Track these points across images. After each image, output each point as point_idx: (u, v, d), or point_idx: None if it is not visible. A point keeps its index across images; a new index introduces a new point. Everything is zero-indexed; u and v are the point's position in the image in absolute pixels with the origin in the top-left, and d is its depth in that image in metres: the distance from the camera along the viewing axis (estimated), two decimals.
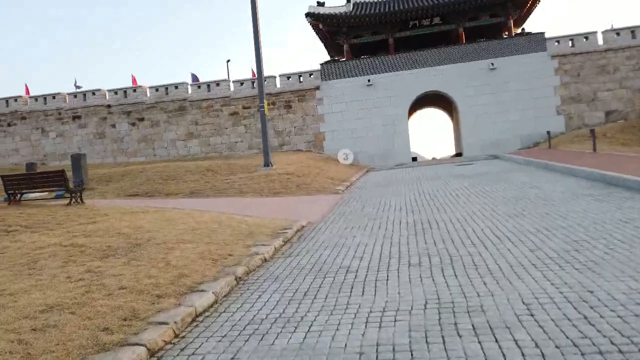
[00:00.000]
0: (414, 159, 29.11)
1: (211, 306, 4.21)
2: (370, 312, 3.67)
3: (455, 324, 3.28)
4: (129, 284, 4.39)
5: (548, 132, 20.86)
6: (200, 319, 3.93)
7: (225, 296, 4.50)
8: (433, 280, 4.32)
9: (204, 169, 15.24)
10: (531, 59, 26.23)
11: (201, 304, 4.09)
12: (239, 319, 3.84)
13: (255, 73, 15.41)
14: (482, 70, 26.66)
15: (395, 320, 3.44)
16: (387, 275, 4.60)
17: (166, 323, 3.59)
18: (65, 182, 9.91)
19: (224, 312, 4.06)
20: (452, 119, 33.00)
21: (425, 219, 7.52)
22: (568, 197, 8.05)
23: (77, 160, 14.04)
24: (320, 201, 11.01)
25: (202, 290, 4.39)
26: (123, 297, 4.09)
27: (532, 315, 3.29)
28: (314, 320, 3.64)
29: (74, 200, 9.97)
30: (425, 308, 3.62)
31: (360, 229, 7.28)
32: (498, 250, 5.13)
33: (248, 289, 4.67)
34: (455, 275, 4.38)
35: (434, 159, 40.35)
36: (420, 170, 18.16)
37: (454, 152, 49.78)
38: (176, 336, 3.55)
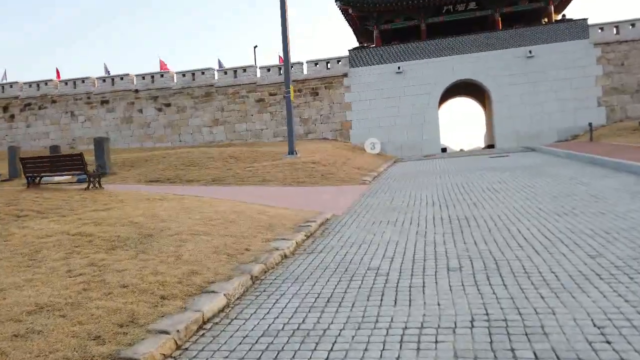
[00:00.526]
0: (444, 150, 28.15)
1: (222, 310, 3.70)
2: (406, 328, 3.09)
3: (512, 350, 2.67)
4: (132, 282, 3.92)
5: (590, 124, 19.67)
6: (208, 326, 3.43)
7: (238, 298, 3.99)
8: (478, 289, 3.70)
9: (226, 155, 14.83)
10: (572, 46, 24.85)
11: (210, 308, 3.59)
12: (252, 329, 3.32)
13: (282, 58, 14.81)
14: (519, 58, 25.42)
15: (436, 342, 2.85)
16: (423, 282, 4.01)
17: (167, 332, 3.09)
18: (84, 166, 9.61)
19: (236, 318, 3.55)
20: (485, 110, 31.78)
21: (461, 214, 6.86)
22: (624, 195, 7.24)
23: (100, 144, 13.81)
24: (346, 192, 10.43)
25: (213, 292, 3.89)
26: (123, 297, 3.62)
27: (608, 342, 2.66)
28: (338, 335, 3.08)
29: (92, 185, 9.66)
30: (473, 326, 3.02)
31: (390, 224, 6.68)
32: (551, 254, 4.47)
33: (264, 291, 4.15)
34: (505, 285, 3.75)
35: (461, 150, 39.12)
36: (451, 162, 17.34)
37: (483, 144, 48.29)
38: (178, 348, 3.06)
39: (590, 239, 4.90)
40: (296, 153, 14.65)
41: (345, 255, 5.14)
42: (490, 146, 27.42)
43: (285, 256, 5.24)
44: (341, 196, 9.82)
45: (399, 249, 5.20)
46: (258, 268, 4.57)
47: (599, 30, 24.79)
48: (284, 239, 5.74)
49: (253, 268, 4.53)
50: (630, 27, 24.63)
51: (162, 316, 3.36)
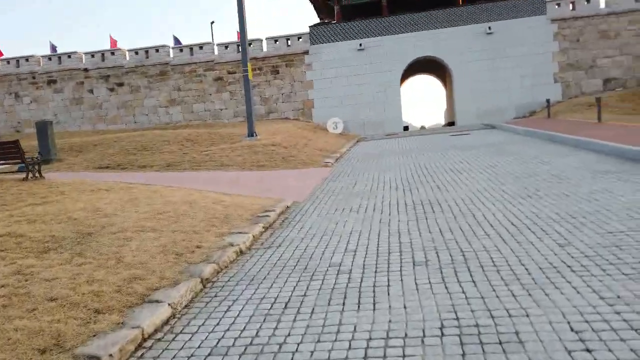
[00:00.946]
0: (406, 128, 28.16)
1: (166, 323, 3.30)
2: (370, 339, 2.79)
3: None
4: (63, 293, 3.46)
5: (547, 101, 19.95)
6: (149, 343, 3.03)
7: (186, 306, 3.59)
8: (446, 287, 3.44)
9: (182, 138, 14.15)
10: (530, 22, 25.05)
11: (152, 322, 3.18)
12: (199, 346, 2.94)
13: (242, 39, 14.13)
14: (479, 34, 25.47)
15: (404, 355, 2.56)
16: (388, 280, 3.72)
17: (97, 358, 2.68)
18: (21, 155, 8.82)
19: (181, 332, 3.16)
20: (446, 87, 31.90)
21: (425, 199, 6.64)
22: (585, 174, 7.19)
23: (43, 128, 12.84)
24: (307, 175, 10.07)
25: (157, 301, 3.48)
26: (50, 313, 3.16)
27: (589, 351, 2.44)
28: (296, 350, 2.75)
29: (31, 175, 8.90)
30: (443, 334, 2.75)
31: (353, 211, 6.38)
32: (519, 244, 4.27)
33: (216, 296, 3.76)
34: (474, 282, 3.51)
35: (422, 127, 39.33)
36: (414, 141, 17.23)
37: (443, 121, 48.85)
38: None
39: (557, 224, 4.74)
40: (256, 135, 14.13)
41: (305, 249, 4.80)
42: (450, 123, 27.60)
43: (241, 252, 4.86)
44: (303, 180, 9.46)
45: (362, 240, 4.90)
46: (209, 269, 4.17)
47: (556, 6, 25.06)
48: (240, 233, 5.34)
49: (204, 269, 4.13)
50: (586, 2, 25.00)
51: (94, 335, 2.94)
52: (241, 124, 24.80)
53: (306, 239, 5.19)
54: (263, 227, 5.74)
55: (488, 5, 25.48)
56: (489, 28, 25.21)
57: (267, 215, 6.18)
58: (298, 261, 4.43)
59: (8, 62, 30.54)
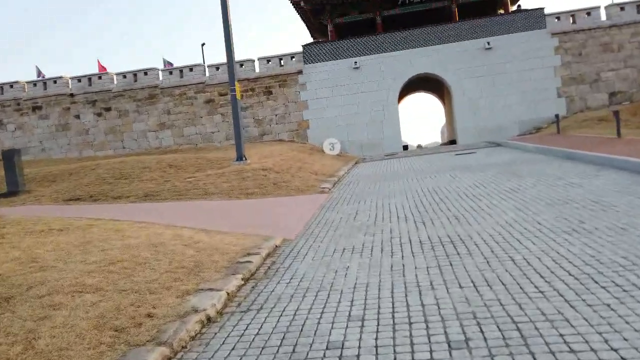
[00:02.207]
0: (405, 147, 27.11)
1: None
2: None
3: None
4: None
5: (557, 116, 18.92)
6: None
7: None
8: None
9: (165, 164, 12.96)
10: (530, 37, 24.29)
11: None
12: None
13: (228, 56, 13.10)
14: (478, 50, 24.68)
15: None
16: None
17: None
18: None
19: None
20: (444, 104, 31.01)
21: (444, 235, 5.42)
22: (632, 200, 6.01)
23: (9, 157, 11.64)
24: (302, 204, 8.86)
25: None
26: None
27: None
28: None
29: None
30: None
31: (356, 252, 5.15)
32: (593, 309, 3.05)
33: None
34: None
35: (419, 146, 38.31)
36: (416, 161, 16.10)
37: (440, 140, 47.95)
38: None
39: (632, 274, 3.53)
40: (245, 159, 12.97)
41: (294, 315, 3.56)
42: (451, 142, 26.56)
43: (209, 321, 3.61)
44: (296, 210, 8.25)
45: (371, 300, 3.67)
46: (155, 358, 2.92)
47: (556, 20, 24.35)
48: (210, 290, 4.10)
49: (147, 359, 2.88)
50: (586, 15, 24.30)
51: None
52: (233, 147, 23.65)
53: (297, 297, 3.96)
54: (242, 279, 4.50)
55: (485, 20, 24.76)
56: (488, 43, 24.42)
57: (249, 261, 4.95)
58: (284, 337, 3.18)
59: None
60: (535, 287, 3.52)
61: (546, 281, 3.61)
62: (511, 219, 5.79)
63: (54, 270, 4.39)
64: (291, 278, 4.53)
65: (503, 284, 3.67)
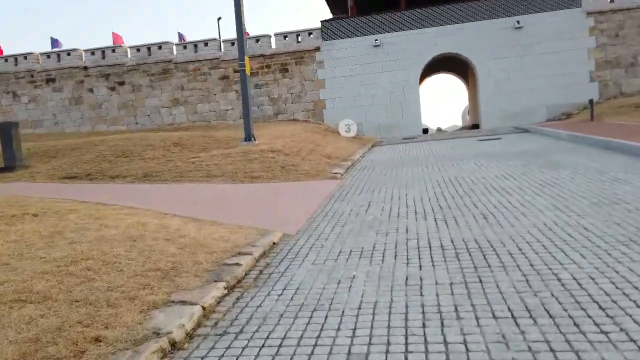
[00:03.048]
0: (425, 130, 26.00)
1: None
2: None
3: None
4: None
5: (591, 102, 17.61)
6: None
7: None
8: None
9: (170, 143, 12.25)
10: (563, 16, 22.75)
11: None
12: None
13: (236, 27, 12.20)
14: (506, 29, 23.25)
15: None
16: None
17: None
18: None
19: None
20: (468, 86, 29.66)
21: (470, 238, 4.58)
22: None
23: (6, 131, 11.06)
24: (309, 191, 8.07)
25: None
26: None
27: None
28: None
29: None
30: None
31: (364, 257, 4.35)
32: None
33: None
34: None
35: (439, 130, 37.06)
36: (436, 146, 15.12)
37: (461, 123, 46.38)
38: None
39: None
40: (254, 139, 12.19)
41: (279, 348, 2.78)
42: (474, 126, 25.35)
43: (174, 347, 2.86)
44: (302, 199, 7.46)
45: (378, 330, 2.87)
46: None
47: None
48: (182, 303, 3.34)
49: None
50: None
51: None
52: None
53: (286, 318, 3.18)
54: (226, 287, 3.74)
55: None
56: (518, 22, 22.97)
57: (238, 264, 4.18)
58: None
59: (6, 60, 29.23)
60: (596, 324, 2.68)
61: (609, 316, 2.76)
62: (550, 221, 4.90)
63: (3, 270, 3.70)
64: (284, 288, 3.75)
65: (551, 316, 2.83)
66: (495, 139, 15.51)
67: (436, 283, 3.53)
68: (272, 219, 6.09)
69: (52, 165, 11.09)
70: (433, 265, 3.95)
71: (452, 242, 4.53)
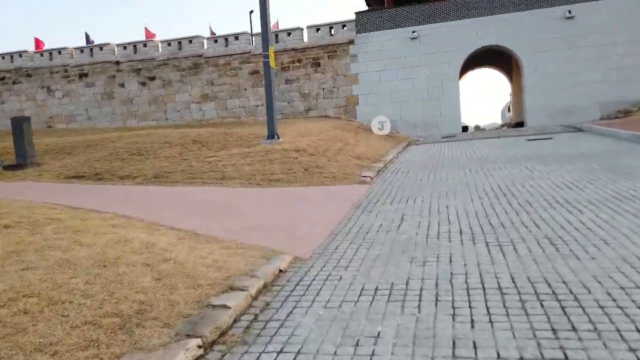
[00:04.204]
0: (465, 128, 24.45)
1: None
2: None
3: None
4: None
5: None
6: None
7: None
8: None
9: (189, 140, 11.43)
10: (619, 4, 20.73)
11: None
12: None
13: (262, 11, 11.24)
14: (556, 19, 21.41)
15: None
16: None
17: None
18: None
19: None
20: (512, 82, 27.79)
21: (537, 276, 3.40)
22: None
23: (18, 125, 10.49)
24: (333, 199, 7.01)
25: None
26: None
27: None
28: None
29: None
30: None
31: (395, 299, 3.25)
32: None
33: None
34: None
35: (477, 127, 35.12)
36: (479, 145, 13.74)
37: (499, 121, 44.10)
38: None
39: None
40: (277, 137, 11.21)
41: None
42: (518, 124, 23.60)
43: None
44: (324, 207, 6.40)
45: None
46: None
47: None
48: None
49: None
50: None
51: None
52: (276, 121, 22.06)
53: None
54: (201, 346, 2.71)
55: None
56: (569, 12, 21.09)
57: (226, 306, 3.16)
58: None
59: (42, 55, 29.42)
60: None
61: None
62: None
63: None
64: (280, 350, 2.70)
65: None
66: (546, 138, 13.99)
67: (498, 357, 2.40)
68: (284, 234, 5.07)
69: (63, 163, 10.45)
70: (490, 321, 2.81)
71: (513, 281, 3.37)
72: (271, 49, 11.04)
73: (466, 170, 8.95)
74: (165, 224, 5.44)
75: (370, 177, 8.73)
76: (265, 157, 9.51)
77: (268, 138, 11.15)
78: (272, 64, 11.03)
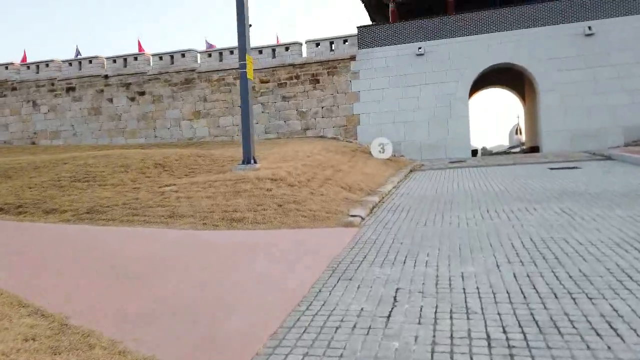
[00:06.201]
0: (474, 152, 22.58)
1: None
2: None
3: None
4: None
5: None
6: None
7: None
8: None
9: (151, 163, 9.61)
10: None
11: None
12: None
13: (238, 8, 9.53)
14: (575, 36, 19.73)
15: None
16: None
17: None
18: None
19: None
20: (525, 103, 25.98)
21: None
22: None
23: None
24: (303, 253, 5.09)
25: None
26: None
27: None
28: None
29: None
30: None
31: None
32: None
33: None
34: None
35: (484, 149, 33.17)
36: (493, 175, 11.81)
37: (507, 143, 42.07)
38: None
39: None
40: (255, 162, 9.36)
41: None
42: (534, 148, 21.69)
43: None
44: (283, 272, 4.49)
45: None
46: None
47: None
48: None
49: None
50: None
51: None
52: (267, 142, 20.33)
53: None
54: None
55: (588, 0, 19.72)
56: (589, 28, 19.42)
57: None
58: None
59: (28, 68, 28.09)
60: None
61: None
62: None
63: None
64: None
65: None
66: (572, 167, 12.05)
67: None
68: (196, 332, 3.15)
69: None
70: None
71: None
72: (249, 58, 9.28)
73: (483, 210, 7.01)
74: (33, 300, 3.55)
75: (360, 216, 6.81)
76: (232, 189, 7.62)
77: (243, 163, 9.31)
78: (249, 75, 9.26)
